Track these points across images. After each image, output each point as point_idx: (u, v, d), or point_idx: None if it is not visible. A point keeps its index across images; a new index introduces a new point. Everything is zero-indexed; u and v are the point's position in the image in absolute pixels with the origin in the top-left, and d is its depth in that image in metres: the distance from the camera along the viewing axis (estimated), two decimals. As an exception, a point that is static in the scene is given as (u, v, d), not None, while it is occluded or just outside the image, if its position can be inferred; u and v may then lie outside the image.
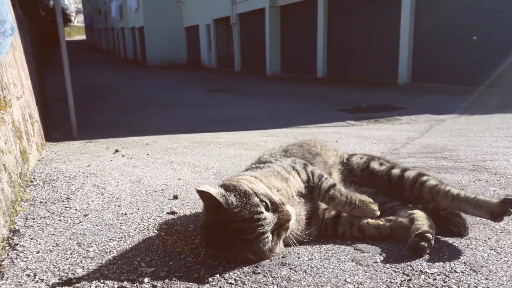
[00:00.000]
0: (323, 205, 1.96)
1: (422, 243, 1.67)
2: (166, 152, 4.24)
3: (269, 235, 1.60)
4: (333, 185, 1.88)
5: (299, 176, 1.89)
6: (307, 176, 1.90)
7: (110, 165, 3.62)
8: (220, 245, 1.64)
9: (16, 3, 7.71)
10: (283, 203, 1.64)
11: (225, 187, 1.64)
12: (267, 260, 1.73)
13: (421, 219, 1.82)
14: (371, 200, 1.88)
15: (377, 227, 1.87)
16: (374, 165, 2.15)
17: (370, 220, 1.88)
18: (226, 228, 1.57)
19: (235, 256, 1.64)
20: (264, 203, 1.59)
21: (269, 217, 1.58)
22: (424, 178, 2.01)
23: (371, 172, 2.13)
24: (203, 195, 1.60)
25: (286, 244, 1.79)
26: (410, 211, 1.93)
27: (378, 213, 1.87)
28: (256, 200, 1.58)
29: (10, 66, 3.50)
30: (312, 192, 1.88)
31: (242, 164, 3.33)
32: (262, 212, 1.56)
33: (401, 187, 2.04)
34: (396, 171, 2.08)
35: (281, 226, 1.63)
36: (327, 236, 1.95)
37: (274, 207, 1.62)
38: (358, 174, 2.15)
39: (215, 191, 1.59)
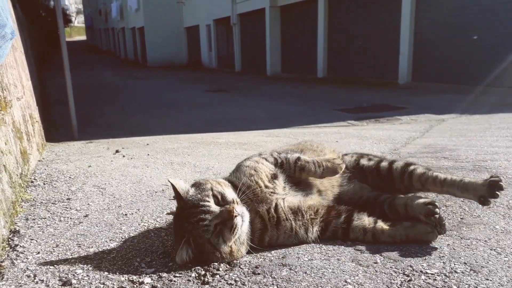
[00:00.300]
0: (308, 201, 1.92)
1: (436, 209, 1.80)
2: (167, 152, 4.24)
3: (209, 223, 1.65)
4: (299, 157, 1.98)
5: (267, 161, 1.99)
6: (274, 158, 2.01)
7: (111, 166, 3.62)
8: (176, 230, 1.79)
9: (17, 4, 7.73)
10: (234, 202, 1.72)
11: (193, 183, 1.84)
12: (266, 261, 1.73)
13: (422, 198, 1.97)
14: (334, 156, 2.05)
15: (393, 235, 1.85)
16: (363, 161, 2.19)
17: (385, 227, 1.87)
18: (182, 215, 1.72)
19: (180, 240, 1.68)
20: (215, 198, 1.73)
21: (214, 208, 1.69)
22: (412, 167, 2.07)
23: (361, 169, 2.16)
24: (173, 187, 1.77)
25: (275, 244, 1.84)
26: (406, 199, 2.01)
27: (343, 165, 1.97)
28: (209, 193, 1.73)
29: (10, 67, 3.50)
30: (283, 167, 1.97)
31: (243, 165, 3.33)
32: (208, 201, 1.71)
33: (391, 179, 2.09)
34: (384, 164, 2.13)
35: (224, 221, 1.65)
36: (336, 238, 1.92)
37: (225, 203, 1.72)
38: (351, 172, 2.17)
39: (181, 185, 1.77)
